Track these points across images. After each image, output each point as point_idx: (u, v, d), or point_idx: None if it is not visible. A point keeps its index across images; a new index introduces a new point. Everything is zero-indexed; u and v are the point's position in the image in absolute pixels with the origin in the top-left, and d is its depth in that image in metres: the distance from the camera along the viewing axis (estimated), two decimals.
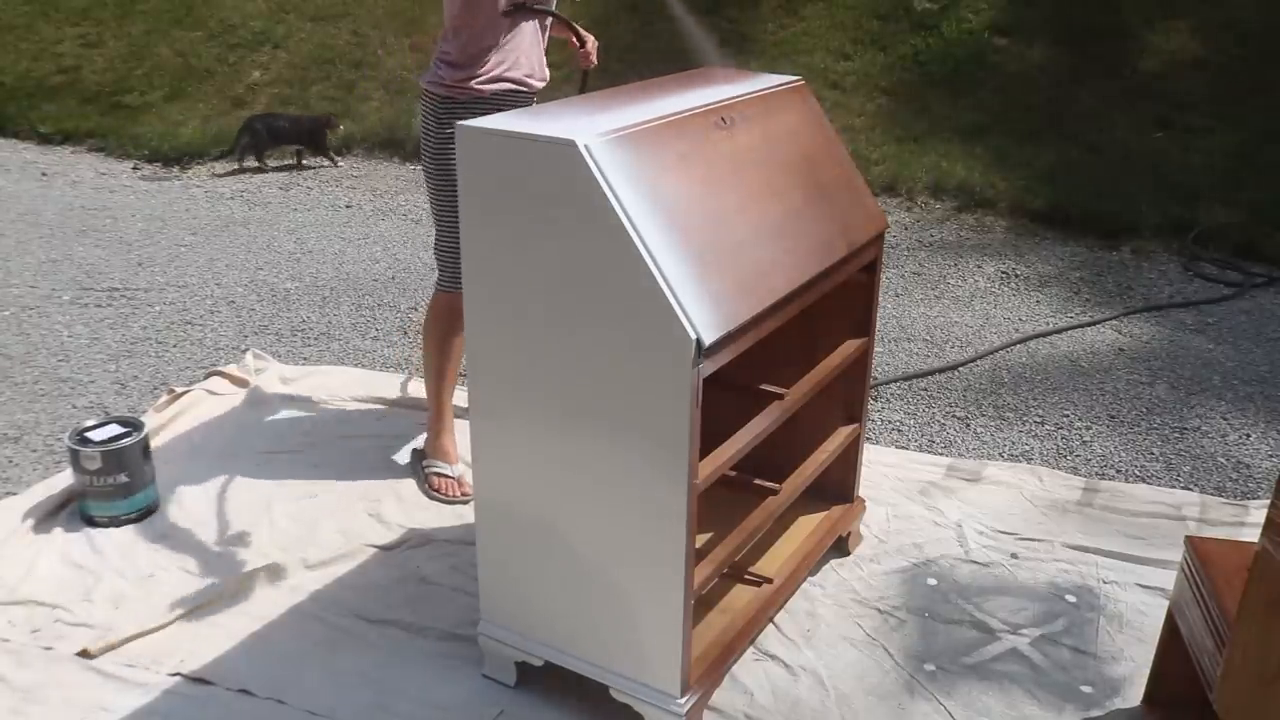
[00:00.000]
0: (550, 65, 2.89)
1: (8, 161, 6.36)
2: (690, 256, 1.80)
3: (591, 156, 1.75)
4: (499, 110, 2.66)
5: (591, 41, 2.85)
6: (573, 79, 2.92)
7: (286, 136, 6.11)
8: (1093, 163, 5.42)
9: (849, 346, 2.48)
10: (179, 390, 3.50)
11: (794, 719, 2.20)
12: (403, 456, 3.17)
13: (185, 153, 6.33)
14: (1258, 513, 2.85)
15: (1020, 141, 5.64)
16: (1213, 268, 4.66)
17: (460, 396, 3.29)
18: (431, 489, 2.97)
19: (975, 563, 2.70)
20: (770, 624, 2.44)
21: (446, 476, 2.97)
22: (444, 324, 2.89)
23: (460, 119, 2.62)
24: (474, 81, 2.70)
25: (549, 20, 2.79)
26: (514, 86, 2.76)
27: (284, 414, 3.41)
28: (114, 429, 2.88)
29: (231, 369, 3.64)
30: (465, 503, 2.91)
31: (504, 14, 2.66)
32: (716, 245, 1.87)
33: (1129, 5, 6.36)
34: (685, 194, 1.88)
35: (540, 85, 2.85)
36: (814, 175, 2.26)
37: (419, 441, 3.16)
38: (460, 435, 3.05)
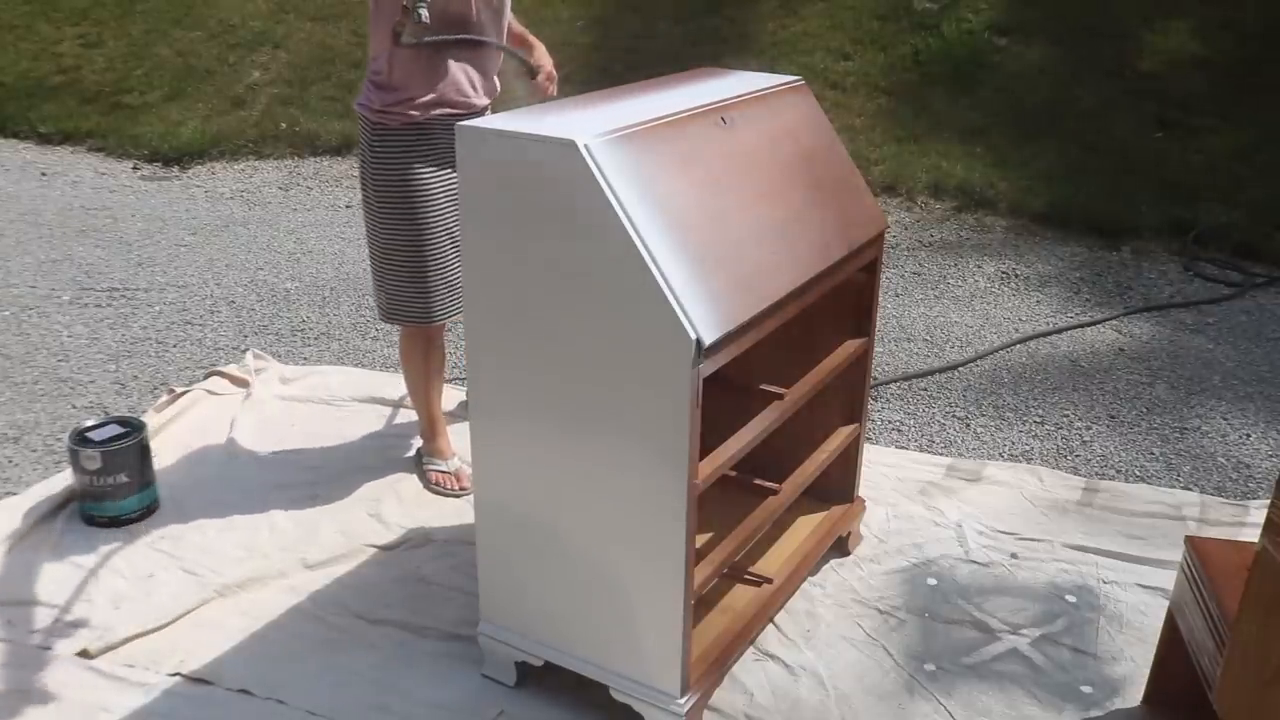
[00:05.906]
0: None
1: (8, 161, 6.35)
2: (690, 256, 1.80)
3: (591, 156, 1.75)
4: (438, 135, 2.53)
5: (545, 72, 2.64)
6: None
7: None
8: (1093, 163, 5.42)
9: (849, 346, 2.48)
10: (179, 390, 3.50)
11: (794, 719, 2.20)
12: (410, 451, 3.20)
13: (185, 153, 6.33)
14: (1258, 513, 2.85)
15: (1020, 141, 5.63)
16: (1213, 268, 4.65)
17: (454, 396, 3.31)
18: (430, 484, 3.01)
19: (975, 563, 2.71)
20: (770, 624, 2.44)
21: (443, 471, 3.01)
22: (413, 351, 2.87)
23: (394, 146, 2.49)
24: (407, 108, 2.49)
25: (504, 26, 2.57)
26: (452, 111, 2.54)
27: (284, 414, 3.41)
28: (114, 429, 2.88)
29: (231, 369, 3.64)
30: (464, 495, 2.94)
31: (400, 46, 2.41)
32: (716, 245, 1.87)
33: (1129, 5, 6.36)
34: (685, 194, 1.88)
35: (487, 101, 2.63)
36: (814, 175, 2.26)
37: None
38: (457, 433, 3.07)
